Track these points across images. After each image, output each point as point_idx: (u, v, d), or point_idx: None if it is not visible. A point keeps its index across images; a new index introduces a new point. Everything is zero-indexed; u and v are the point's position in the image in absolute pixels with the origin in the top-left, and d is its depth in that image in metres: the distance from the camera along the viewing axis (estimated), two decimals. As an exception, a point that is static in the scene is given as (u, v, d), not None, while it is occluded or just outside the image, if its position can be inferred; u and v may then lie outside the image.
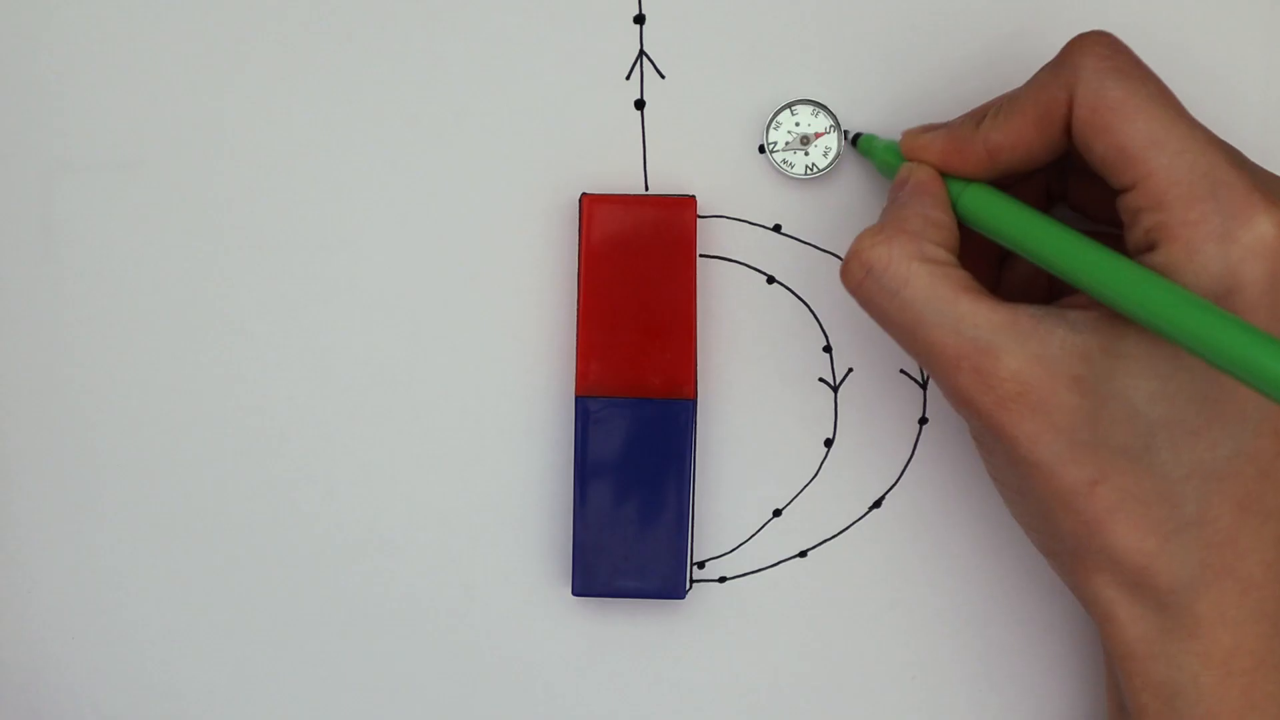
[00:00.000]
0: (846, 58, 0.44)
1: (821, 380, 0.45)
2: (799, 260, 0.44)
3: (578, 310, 0.43)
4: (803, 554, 0.46)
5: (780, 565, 0.46)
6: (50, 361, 0.46)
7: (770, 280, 0.45)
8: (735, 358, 0.45)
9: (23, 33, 0.44)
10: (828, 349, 0.45)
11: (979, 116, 0.39)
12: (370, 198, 0.45)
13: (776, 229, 0.45)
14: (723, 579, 0.46)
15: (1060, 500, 0.36)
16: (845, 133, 0.43)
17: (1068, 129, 0.37)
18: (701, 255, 0.44)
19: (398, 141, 0.44)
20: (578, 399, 0.43)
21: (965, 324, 0.36)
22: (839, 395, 0.45)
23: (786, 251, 0.44)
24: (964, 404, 0.36)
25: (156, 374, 0.45)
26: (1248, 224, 0.34)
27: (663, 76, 0.44)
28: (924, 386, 0.45)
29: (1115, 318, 0.35)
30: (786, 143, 0.43)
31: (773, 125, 0.43)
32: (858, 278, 0.38)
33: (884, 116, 0.44)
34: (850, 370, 0.45)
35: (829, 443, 0.45)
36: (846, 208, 0.44)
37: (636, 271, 0.43)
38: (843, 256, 0.44)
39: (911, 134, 0.40)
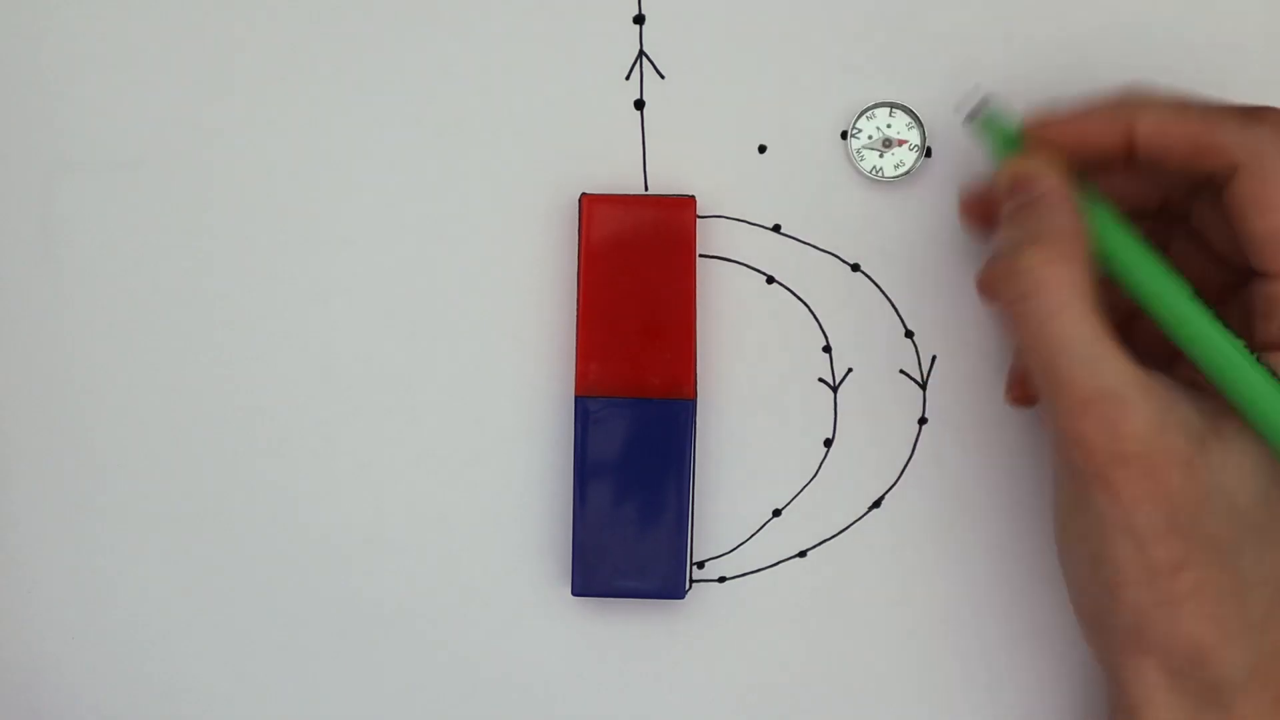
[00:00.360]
0: (847, 57, 0.44)
1: (821, 380, 0.45)
2: (799, 260, 0.44)
3: (578, 310, 0.43)
4: (802, 554, 0.46)
5: (780, 565, 0.46)
6: (50, 361, 0.46)
7: (770, 280, 0.45)
8: (735, 358, 0.45)
9: (23, 33, 0.44)
10: (827, 349, 0.45)
11: (1114, 98, 0.38)
12: (370, 198, 0.45)
13: (776, 229, 0.45)
14: (722, 579, 0.46)
15: (1140, 574, 0.35)
16: (928, 150, 0.43)
17: (1213, 178, 0.36)
18: (701, 255, 0.44)
19: (398, 142, 0.44)
20: (577, 399, 0.43)
21: (1105, 369, 0.35)
22: (839, 395, 0.45)
23: (786, 251, 0.44)
24: (1079, 449, 0.35)
25: (156, 374, 0.46)
26: None
27: (662, 76, 0.44)
28: (923, 387, 0.45)
29: (1229, 408, 0.35)
30: (870, 136, 0.43)
31: (867, 114, 0.43)
32: (1011, 295, 0.36)
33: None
34: (850, 370, 0.45)
35: (829, 443, 0.45)
36: (846, 208, 0.44)
37: (636, 271, 0.43)
38: (841, 256, 0.45)
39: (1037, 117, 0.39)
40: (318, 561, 0.46)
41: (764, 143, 0.44)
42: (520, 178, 0.44)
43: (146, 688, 0.47)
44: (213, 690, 0.47)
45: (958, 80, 0.43)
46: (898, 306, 0.45)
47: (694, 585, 0.46)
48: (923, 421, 0.45)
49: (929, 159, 0.43)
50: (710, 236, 0.44)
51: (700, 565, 0.46)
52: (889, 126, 0.43)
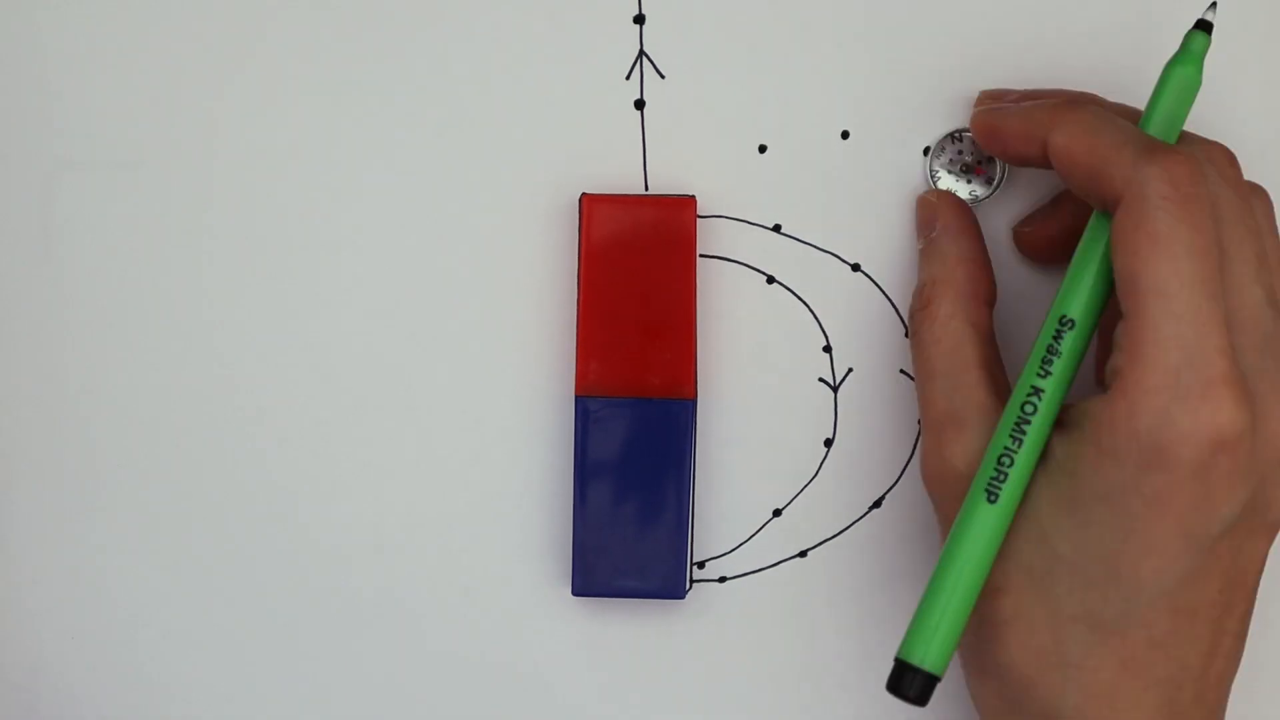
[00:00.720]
0: (847, 57, 0.44)
1: (821, 380, 0.45)
2: (799, 260, 0.44)
3: (578, 310, 0.43)
4: (803, 554, 0.46)
5: (780, 565, 0.46)
6: (50, 361, 0.46)
7: (770, 280, 0.45)
8: (735, 358, 0.45)
9: (23, 33, 0.44)
10: (828, 349, 0.45)
11: (1052, 102, 0.39)
12: (370, 198, 0.45)
13: (776, 229, 0.45)
14: (723, 579, 0.46)
15: None
16: (997, 184, 0.44)
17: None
18: (701, 255, 0.44)
19: (398, 141, 0.44)
20: (577, 399, 0.43)
21: (957, 394, 0.39)
22: (839, 395, 0.45)
23: (786, 251, 0.44)
24: (921, 463, 0.40)
25: (156, 374, 0.45)
26: (1194, 410, 0.33)
27: (663, 76, 0.44)
28: (924, 386, 0.45)
29: (1068, 441, 0.36)
30: (952, 159, 0.44)
31: (954, 136, 0.43)
32: (911, 321, 0.41)
33: (884, 114, 0.44)
34: (850, 370, 0.45)
35: (829, 443, 0.45)
36: (846, 208, 0.44)
37: (636, 271, 0.43)
38: (841, 256, 0.45)
39: (988, 102, 0.42)
40: (318, 561, 0.46)
41: (764, 143, 0.44)
42: (520, 178, 0.44)
43: (146, 688, 0.47)
44: (212, 690, 0.47)
45: (957, 80, 0.44)
46: (898, 306, 0.45)
47: (694, 585, 0.46)
48: (923, 421, 0.45)
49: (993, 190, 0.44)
50: (710, 236, 0.44)
51: (700, 565, 0.46)
52: (972, 153, 0.43)
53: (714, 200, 0.44)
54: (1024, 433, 0.36)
